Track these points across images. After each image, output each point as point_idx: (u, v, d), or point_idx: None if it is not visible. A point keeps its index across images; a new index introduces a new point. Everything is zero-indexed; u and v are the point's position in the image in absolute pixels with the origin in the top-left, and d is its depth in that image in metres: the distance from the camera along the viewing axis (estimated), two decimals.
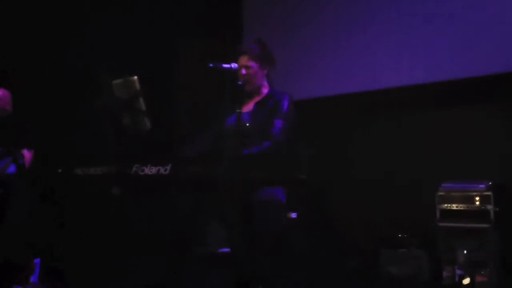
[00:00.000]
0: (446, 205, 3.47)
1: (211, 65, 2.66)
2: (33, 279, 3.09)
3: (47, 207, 2.84)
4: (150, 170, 2.42)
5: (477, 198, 3.38)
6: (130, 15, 4.25)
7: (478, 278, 3.34)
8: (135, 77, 2.49)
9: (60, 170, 2.57)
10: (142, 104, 2.51)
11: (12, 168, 3.35)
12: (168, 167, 2.40)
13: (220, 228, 3.09)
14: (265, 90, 2.98)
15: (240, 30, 4.61)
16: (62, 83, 3.88)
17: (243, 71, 2.90)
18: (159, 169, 2.40)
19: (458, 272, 3.39)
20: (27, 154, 3.37)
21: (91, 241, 2.77)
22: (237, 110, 2.49)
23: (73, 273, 2.89)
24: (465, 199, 3.42)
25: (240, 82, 2.55)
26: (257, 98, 2.96)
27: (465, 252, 3.45)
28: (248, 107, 2.95)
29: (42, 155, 3.22)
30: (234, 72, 2.75)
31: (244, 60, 2.92)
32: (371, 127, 4.11)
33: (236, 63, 2.90)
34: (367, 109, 4.10)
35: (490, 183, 3.43)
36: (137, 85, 2.49)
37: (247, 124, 2.79)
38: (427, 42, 3.88)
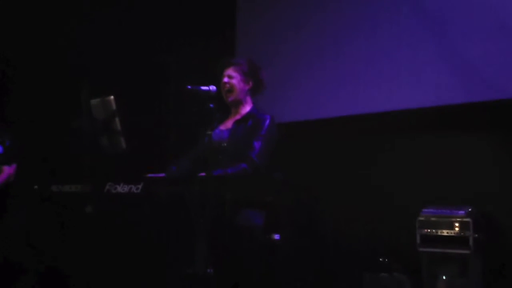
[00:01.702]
0: (426, 230, 3.47)
1: (189, 87, 2.71)
2: None
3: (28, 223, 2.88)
4: (122, 188, 2.47)
5: (457, 224, 3.38)
6: (114, 31, 4.32)
7: None
8: (112, 97, 2.55)
9: (36, 187, 2.62)
10: (117, 124, 2.56)
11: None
12: (140, 186, 2.44)
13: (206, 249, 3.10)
14: (247, 108, 2.99)
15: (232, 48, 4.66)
16: (41, 98, 3.94)
17: (225, 79, 2.94)
18: (131, 188, 2.44)
19: None
20: (7, 170, 3.43)
21: (64, 259, 2.78)
22: (208, 132, 2.53)
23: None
24: (445, 225, 3.42)
25: (212, 105, 2.58)
26: (237, 116, 2.98)
27: (444, 278, 3.44)
28: (227, 125, 2.98)
29: (22, 170, 3.28)
30: (212, 95, 2.80)
31: (229, 70, 2.97)
32: (356, 152, 4.13)
33: (222, 73, 2.95)
34: (352, 134, 4.13)
35: (470, 209, 3.43)
36: (113, 105, 2.55)
37: (225, 143, 2.81)
38: (415, 68, 3.91)
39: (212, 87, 2.80)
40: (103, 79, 3.45)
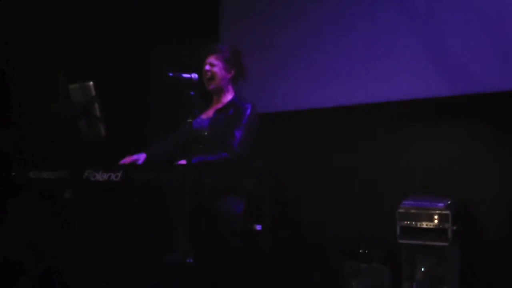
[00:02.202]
0: (406, 222, 3.50)
1: (170, 74, 2.68)
2: None
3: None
4: (101, 176, 2.44)
5: (436, 217, 3.41)
6: (93, 17, 4.25)
7: None
8: (91, 83, 2.51)
9: (13, 173, 2.58)
10: (97, 110, 2.53)
11: None
12: (119, 174, 2.41)
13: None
14: (228, 97, 2.97)
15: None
16: (21, 83, 3.87)
17: (207, 67, 2.92)
18: (110, 176, 2.42)
19: None
20: None
21: (42, 246, 2.75)
22: (189, 120, 2.51)
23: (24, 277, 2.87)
24: (424, 217, 3.45)
25: (192, 93, 2.56)
26: (218, 105, 2.96)
27: (423, 269, 3.47)
28: (208, 113, 2.96)
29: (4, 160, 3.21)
30: (193, 82, 2.77)
31: (211, 58, 2.95)
32: (339, 143, 4.14)
33: (204, 60, 2.92)
34: (335, 125, 4.13)
35: (449, 202, 3.46)
36: (93, 91, 2.51)
37: (205, 132, 2.80)
38: (400, 61, 3.91)
39: (194, 75, 2.77)
40: (83, 65, 3.39)
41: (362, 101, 3.96)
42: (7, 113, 3.70)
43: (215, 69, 2.93)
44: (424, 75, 3.77)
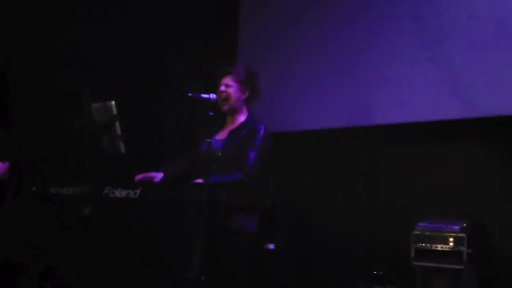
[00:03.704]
0: (420, 244, 3.48)
1: (190, 94, 2.75)
2: None
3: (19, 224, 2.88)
4: (120, 193, 2.49)
5: (451, 239, 3.39)
6: (115, 31, 4.32)
7: None
8: (113, 102, 2.58)
9: (34, 188, 2.64)
10: (118, 128, 2.59)
11: None
12: (138, 191, 2.46)
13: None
14: (242, 118, 3.03)
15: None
16: (42, 98, 3.94)
17: (222, 88, 2.99)
18: (128, 193, 2.47)
19: None
20: (0, 166, 3.40)
21: (60, 263, 2.78)
22: (207, 140, 2.55)
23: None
24: (439, 239, 3.43)
25: (211, 113, 2.62)
26: (232, 126, 3.02)
27: None
28: (222, 134, 3.01)
29: (17, 170, 3.27)
30: (212, 103, 2.83)
31: (226, 79, 3.01)
32: (352, 163, 4.16)
33: (220, 81, 2.98)
34: (349, 144, 4.15)
35: (464, 224, 3.44)
36: (114, 110, 2.58)
37: (219, 153, 2.85)
38: (413, 82, 3.93)
39: (212, 95, 2.85)
40: (103, 82, 3.46)
41: (376, 122, 3.98)
42: (28, 125, 3.77)
43: (230, 90, 3.00)
44: (441, 96, 3.78)
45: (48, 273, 2.87)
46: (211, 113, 2.57)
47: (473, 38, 3.68)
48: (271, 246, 4.00)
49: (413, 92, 3.89)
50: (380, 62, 4.05)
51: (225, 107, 3.01)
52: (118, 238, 2.63)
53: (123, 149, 2.58)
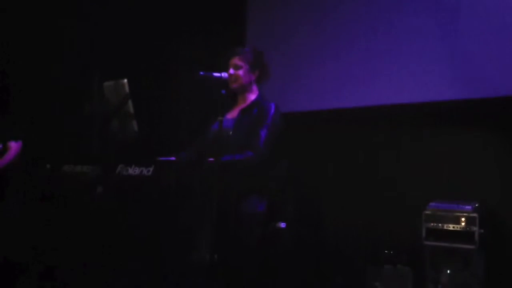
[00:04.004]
0: (432, 224, 3.48)
1: (201, 73, 2.74)
2: None
3: (33, 204, 2.90)
4: (133, 170, 2.50)
5: (463, 219, 3.39)
6: (126, 16, 4.32)
7: None
8: (125, 80, 2.58)
9: (48, 166, 2.65)
10: (130, 107, 2.60)
11: None
12: (151, 169, 2.47)
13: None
14: (252, 96, 3.03)
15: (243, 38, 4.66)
16: (55, 80, 3.96)
17: (231, 70, 2.98)
18: (142, 170, 2.48)
19: None
20: (14, 145, 3.43)
21: (75, 241, 2.81)
22: (219, 118, 2.55)
23: (60, 273, 2.92)
24: (451, 219, 3.43)
25: (223, 91, 2.61)
26: (242, 105, 3.01)
27: (448, 272, 3.45)
28: (233, 113, 3.01)
29: (31, 149, 3.29)
30: (223, 81, 2.82)
31: (235, 59, 3.00)
32: (363, 144, 4.14)
33: (229, 63, 2.98)
34: (359, 125, 4.13)
35: (476, 204, 3.44)
36: (127, 88, 2.57)
37: (230, 132, 2.84)
38: (422, 63, 3.90)
39: (224, 74, 2.84)
40: (114, 64, 3.46)
41: (386, 102, 3.95)
42: (39, 108, 3.79)
43: (239, 72, 2.99)
44: (451, 77, 3.75)
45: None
46: (223, 91, 2.56)
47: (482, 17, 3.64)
48: (282, 225, 4.02)
49: (424, 72, 3.86)
50: (393, 41, 4.01)
51: (234, 86, 3.01)
52: (128, 218, 2.64)
53: (135, 127, 2.59)
